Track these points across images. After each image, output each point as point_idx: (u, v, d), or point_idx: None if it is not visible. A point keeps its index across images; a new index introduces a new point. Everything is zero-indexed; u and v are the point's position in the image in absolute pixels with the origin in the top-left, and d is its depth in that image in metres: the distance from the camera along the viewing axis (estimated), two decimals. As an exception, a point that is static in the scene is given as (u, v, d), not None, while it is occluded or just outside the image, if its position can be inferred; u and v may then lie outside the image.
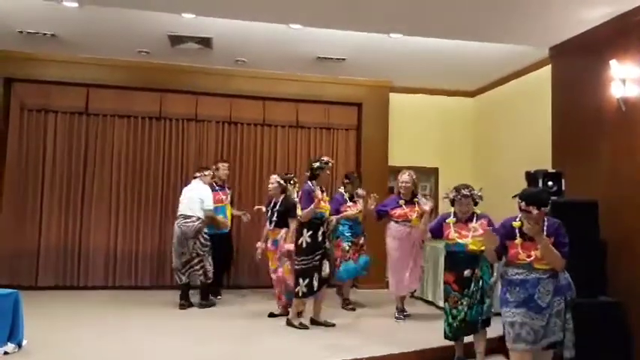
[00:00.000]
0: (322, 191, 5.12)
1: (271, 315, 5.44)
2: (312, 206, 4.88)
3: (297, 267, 5.00)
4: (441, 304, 4.97)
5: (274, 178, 5.58)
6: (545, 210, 3.25)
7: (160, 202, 7.18)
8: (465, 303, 4.03)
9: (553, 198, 4.45)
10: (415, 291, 6.00)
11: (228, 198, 6.58)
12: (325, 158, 5.25)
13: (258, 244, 5.57)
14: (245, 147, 7.50)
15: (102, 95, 7.02)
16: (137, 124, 7.21)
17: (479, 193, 4.19)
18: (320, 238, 5.00)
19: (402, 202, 5.40)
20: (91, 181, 7.03)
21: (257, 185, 7.47)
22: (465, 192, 4.12)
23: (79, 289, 6.76)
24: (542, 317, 3.28)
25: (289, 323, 5.03)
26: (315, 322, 5.09)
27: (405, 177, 5.43)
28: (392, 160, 7.53)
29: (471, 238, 4.06)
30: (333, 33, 5.54)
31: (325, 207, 5.13)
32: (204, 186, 6.08)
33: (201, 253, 5.89)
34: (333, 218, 5.48)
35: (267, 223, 5.50)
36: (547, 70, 5.70)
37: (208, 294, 6.07)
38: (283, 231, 5.31)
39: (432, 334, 4.58)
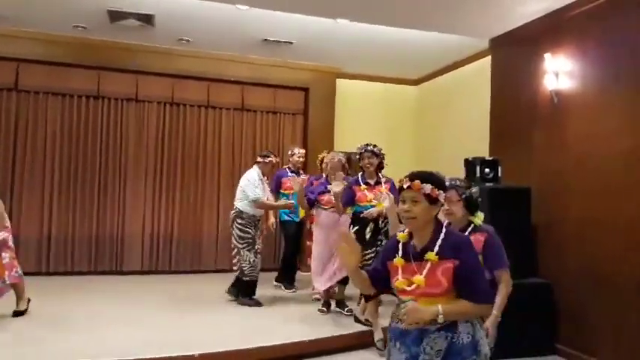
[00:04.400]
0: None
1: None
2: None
3: None
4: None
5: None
6: (436, 195, 2.09)
7: (97, 185, 6.88)
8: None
9: (489, 184, 4.69)
10: None
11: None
12: (366, 144, 4.81)
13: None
14: (188, 129, 7.30)
15: (34, 71, 6.61)
16: (72, 102, 6.85)
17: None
18: (368, 235, 4.58)
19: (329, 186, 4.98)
20: (21, 164, 6.62)
21: (200, 169, 7.33)
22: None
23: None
24: None
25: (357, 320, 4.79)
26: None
27: (334, 162, 5.00)
28: (337, 146, 7.59)
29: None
30: (280, 15, 5.47)
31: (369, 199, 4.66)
32: (251, 173, 5.43)
33: (237, 245, 5.32)
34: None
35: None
36: (487, 60, 5.89)
37: (249, 292, 5.38)
38: None
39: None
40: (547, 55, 4.77)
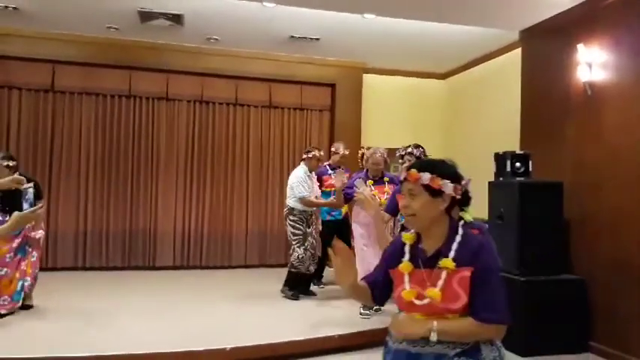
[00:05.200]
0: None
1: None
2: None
3: None
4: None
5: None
6: (440, 185, 1.73)
7: (130, 183, 7.06)
8: None
9: (520, 179, 4.61)
10: None
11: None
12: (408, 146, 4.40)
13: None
14: (217, 127, 7.41)
15: (69, 72, 6.81)
16: (105, 102, 7.03)
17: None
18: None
19: (370, 182, 4.82)
20: (58, 161, 6.84)
21: (229, 166, 7.43)
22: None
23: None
24: None
25: None
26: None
27: (376, 157, 4.91)
28: (364, 142, 7.57)
29: None
30: (306, 12, 5.49)
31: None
32: (298, 171, 5.55)
33: (291, 241, 5.45)
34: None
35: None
36: (517, 53, 5.78)
37: (292, 284, 5.50)
38: None
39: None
40: (580, 46, 4.65)
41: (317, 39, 6.57)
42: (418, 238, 1.81)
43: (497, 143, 5.52)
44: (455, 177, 1.76)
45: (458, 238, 1.72)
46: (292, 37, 6.49)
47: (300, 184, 5.41)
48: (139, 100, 7.15)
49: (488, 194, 4.80)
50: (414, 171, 1.74)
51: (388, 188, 4.76)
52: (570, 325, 4.39)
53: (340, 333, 4.31)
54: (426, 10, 5.10)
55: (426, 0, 4.81)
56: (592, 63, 4.58)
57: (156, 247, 7.08)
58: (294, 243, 5.41)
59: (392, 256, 1.84)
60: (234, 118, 7.49)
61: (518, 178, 4.62)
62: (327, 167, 6.06)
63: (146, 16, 5.85)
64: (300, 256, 5.36)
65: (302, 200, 5.39)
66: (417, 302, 1.69)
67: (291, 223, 5.45)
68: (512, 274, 4.39)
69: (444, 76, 8.09)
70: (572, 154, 4.80)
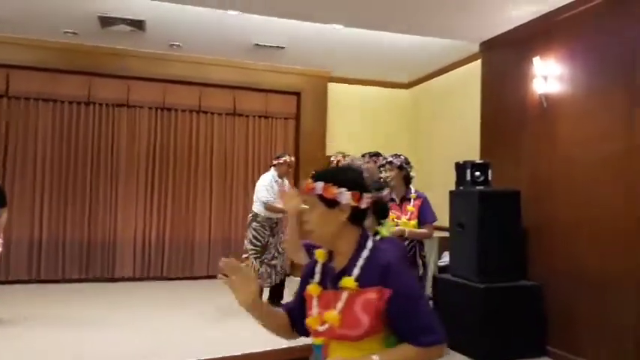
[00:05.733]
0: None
1: None
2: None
3: None
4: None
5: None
6: (334, 195, 1.52)
7: (89, 191, 6.86)
8: None
9: (479, 188, 4.70)
10: None
11: None
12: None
13: None
14: (180, 135, 7.30)
15: (24, 77, 6.59)
16: (63, 109, 6.84)
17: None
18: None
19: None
20: (12, 169, 6.59)
21: (192, 174, 7.31)
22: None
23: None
24: None
25: None
26: None
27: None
28: (329, 150, 7.59)
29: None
30: (271, 20, 5.48)
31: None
32: (265, 176, 5.54)
33: (248, 248, 5.37)
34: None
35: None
36: (477, 64, 5.92)
37: (274, 296, 5.41)
38: None
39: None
40: (536, 59, 4.79)
41: (282, 47, 6.57)
42: (330, 255, 1.60)
43: (460, 152, 5.62)
44: (355, 184, 1.54)
45: (364, 254, 1.52)
46: (257, 45, 6.47)
47: (265, 188, 5.40)
48: (98, 107, 6.97)
49: (450, 203, 4.87)
50: (309, 181, 1.56)
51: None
52: (528, 331, 4.49)
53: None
54: (392, 22, 5.17)
55: (389, 12, 4.87)
56: (548, 76, 4.72)
57: (115, 258, 6.90)
58: (251, 255, 5.33)
59: (305, 278, 1.64)
60: (198, 125, 7.39)
61: (477, 187, 4.71)
62: None
63: (106, 22, 5.72)
64: (257, 269, 5.28)
65: (265, 206, 5.37)
66: (320, 328, 1.51)
67: (253, 229, 5.40)
68: (472, 281, 4.47)
69: (407, 86, 8.21)
70: (529, 163, 4.93)
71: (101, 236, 6.86)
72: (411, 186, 3.84)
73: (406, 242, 3.64)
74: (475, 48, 5.86)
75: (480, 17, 4.95)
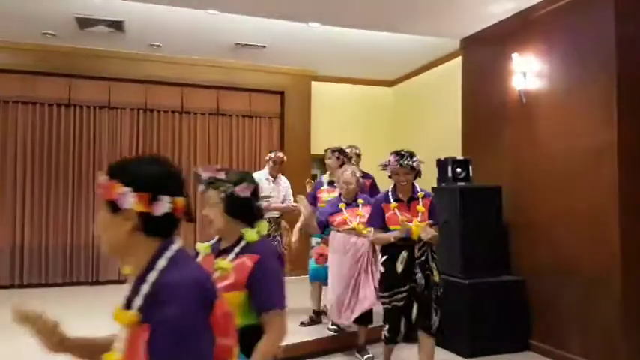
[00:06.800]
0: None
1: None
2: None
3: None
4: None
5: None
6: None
7: (71, 194, 6.79)
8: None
9: (461, 184, 4.73)
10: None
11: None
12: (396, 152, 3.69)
13: None
14: (162, 135, 7.24)
15: (3, 80, 6.49)
16: (43, 111, 6.75)
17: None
18: (400, 268, 3.49)
19: (342, 205, 4.25)
20: (-8, 173, 6.52)
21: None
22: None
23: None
24: None
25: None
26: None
27: (347, 175, 4.23)
28: (314, 149, 7.59)
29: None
30: (251, 20, 5.45)
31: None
32: (257, 174, 4.99)
33: None
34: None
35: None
36: (458, 61, 5.94)
37: None
38: None
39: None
40: (515, 55, 4.83)
41: (263, 46, 6.54)
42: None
43: (443, 149, 5.65)
44: (148, 184, 1.17)
45: (152, 277, 1.13)
46: (238, 44, 6.44)
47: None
48: (79, 109, 6.90)
49: (432, 199, 4.89)
50: (102, 178, 1.20)
51: (362, 211, 4.13)
52: (511, 325, 4.53)
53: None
54: (368, 19, 5.18)
55: (368, 10, 4.88)
56: (526, 72, 4.76)
57: (99, 261, 6.83)
58: None
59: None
60: (180, 125, 7.34)
61: (459, 184, 4.74)
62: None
63: (85, 23, 5.66)
64: None
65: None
66: None
67: None
68: (456, 277, 4.49)
69: (391, 84, 8.23)
70: (510, 159, 4.97)
71: (84, 239, 6.79)
72: (415, 183, 3.58)
73: (417, 246, 3.46)
74: (456, 45, 5.89)
75: (460, 14, 4.97)
